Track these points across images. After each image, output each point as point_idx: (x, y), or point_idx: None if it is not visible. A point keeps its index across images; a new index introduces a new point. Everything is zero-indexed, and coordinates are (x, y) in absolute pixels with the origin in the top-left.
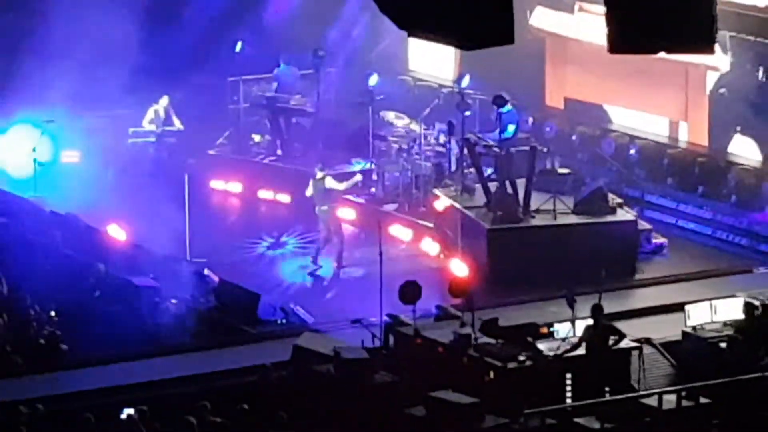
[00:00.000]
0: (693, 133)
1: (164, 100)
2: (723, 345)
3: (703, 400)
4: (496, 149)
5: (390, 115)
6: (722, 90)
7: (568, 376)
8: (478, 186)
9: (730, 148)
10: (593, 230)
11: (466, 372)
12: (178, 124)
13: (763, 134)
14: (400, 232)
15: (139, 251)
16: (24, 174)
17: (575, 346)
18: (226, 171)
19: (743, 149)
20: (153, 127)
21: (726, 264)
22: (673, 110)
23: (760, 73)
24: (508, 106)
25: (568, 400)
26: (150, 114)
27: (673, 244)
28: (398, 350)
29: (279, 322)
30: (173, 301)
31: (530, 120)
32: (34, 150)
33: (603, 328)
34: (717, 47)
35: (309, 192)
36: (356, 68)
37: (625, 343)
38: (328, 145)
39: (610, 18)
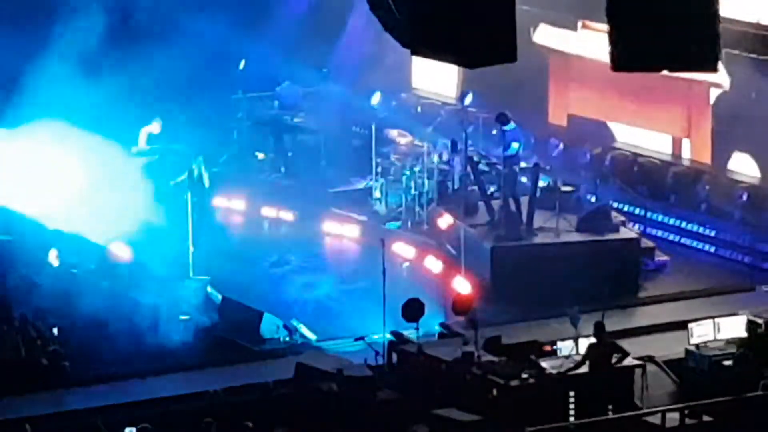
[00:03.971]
0: (696, 151)
1: (156, 125)
2: (726, 363)
3: (706, 418)
4: (499, 167)
5: (393, 133)
6: None
7: (572, 394)
8: (482, 204)
9: (731, 166)
10: (596, 248)
11: (470, 390)
12: None
13: (760, 152)
14: (403, 249)
15: (143, 269)
16: None
17: (578, 364)
18: (229, 188)
19: (743, 167)
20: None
21: (729, 282)
22: (676, 127)
23: (753, 94)
24: (512, 124)
25: (571, 418)
26: (143, 137)
27: (675, 261)
28: (401, 368)
29: (282, 339)
30: (184, 317)
31: (533, 137)
32: None
33: (606, 345)
34: (720, 65)
35: None
36: (360, 86)
37: (628, 361)
38: (332, 162)
39: (614, 36)
